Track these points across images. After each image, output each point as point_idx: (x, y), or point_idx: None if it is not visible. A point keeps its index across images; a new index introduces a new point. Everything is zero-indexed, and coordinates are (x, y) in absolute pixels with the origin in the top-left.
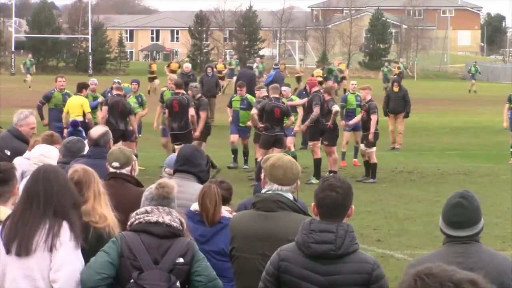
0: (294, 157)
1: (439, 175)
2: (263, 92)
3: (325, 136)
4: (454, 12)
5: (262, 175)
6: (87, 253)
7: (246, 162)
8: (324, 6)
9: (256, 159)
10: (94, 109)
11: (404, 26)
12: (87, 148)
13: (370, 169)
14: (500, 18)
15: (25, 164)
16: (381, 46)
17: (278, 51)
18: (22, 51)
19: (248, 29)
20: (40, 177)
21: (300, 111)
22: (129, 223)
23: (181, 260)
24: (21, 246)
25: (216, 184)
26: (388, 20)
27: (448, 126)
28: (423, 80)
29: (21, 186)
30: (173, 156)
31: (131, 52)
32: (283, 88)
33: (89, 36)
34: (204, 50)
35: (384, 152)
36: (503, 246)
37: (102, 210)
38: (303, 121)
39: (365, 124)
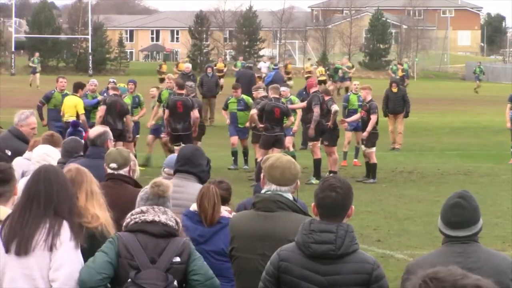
0: (293, 157)
1: (439, 175)
2: (261, 93)
3: (325, 136)
4: (454, 12)
5: (262, 175)
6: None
7: (246, 162)
8: (324, 6)
9: (256, 159)
10: (94, 108)
11: (404, 26)
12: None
13: (370, 169)
14: (500, 18)
15: (25, 164)
16: (381, 46)
17: (278, 51)
18: (22, 51)
19: (248, 29)
20: (41, 177)
21: (299, 111)
22: (124, 223)
23: (177, 259)
24: (20, 245)
25: (215, 184)
26: (388, 20)
27: (448, 126)
28: (423, 80)
29: (21, 185)
30: (173, 156)
31: (131, 53)
32: (282, 88)
33: (89, 36)
34: (204, 50)
35: (384, 152)
36: (503, 246)
37: (95, 210)
38: (302, 121)
39: (365, 125)
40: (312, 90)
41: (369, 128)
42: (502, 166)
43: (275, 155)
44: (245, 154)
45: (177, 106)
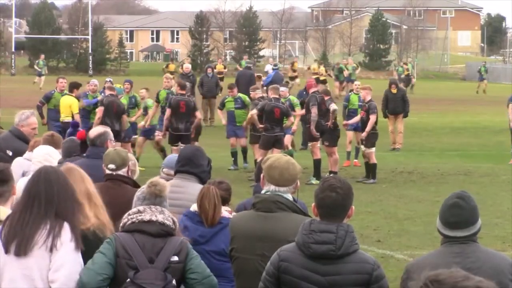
0: (291, 155)
1: (439, 176)
2: (258, 93)
3: (325, 136)
4: (454, 12)
5: (262, 176)
6: None
7: (245, 159)
8: (324, 7)
9: (255, 160)
10: (94, 108)
11: (404, 27)
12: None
13: (370, 170)
14: (500, 19)
15: (25, 165)
16: (381, 46)
17: (278, 52)
18: (22, 51)
19: (248, 29)
20: (41, 178)
21: (299, 111)
22: (121, 224)
23: (175, 258)
24: (20, 246)
25: (215, 185)
26: (388, 20)
27: (448, 126)
28: (423, 80)
29: (21, 185)
30: (171, 156)
31: (131, 53)
32: (281, 89)
33: (89, 37)
34: (204, 51)
35: (384, 153)
36: (503, 247)
37: (86, 211)
38: (302, 121)
39: (364, 125)
40: (311, 90)
41: (368, 128)
42: (502, 166)
43: (275, 156)
44: (244, 152)
45: (180, 106)
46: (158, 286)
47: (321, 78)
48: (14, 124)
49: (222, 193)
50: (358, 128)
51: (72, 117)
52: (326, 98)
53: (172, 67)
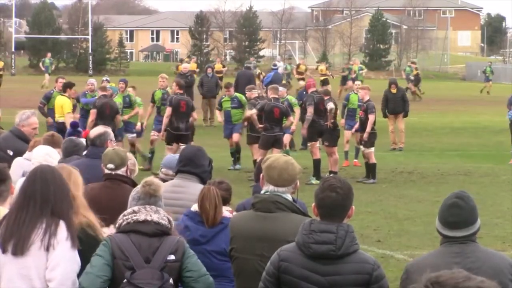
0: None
1: (439, 176)
2: (254, 93)
3: (325, 136)
4: (454, 12)
5: (261, 176)
6: None
7: (235, 161)
8: (324, 7)
9: (255, 160)
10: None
11: (404, 27)
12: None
13: (370, 170)
14: (500, 19)
15: (25, 164)
16: (381, 46)
17: (278, 52)
18: (22, 51)
19: (248, 29)
20: (37, 177)
21: (297, 110)
22: (117, 225)
23: (172, 257)
24: (17, 245)
25: (215, 185)
26: (388, 20)
27: (448, 126)
28: (423, 80)
29: (19, 185)
30: (170, 157)
31: (131, 53)
32: (279, 88)
33: (89, 37)
34: (204, 51)
35: (384, 153)
36: (503, 247)
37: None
38: (301, 121)
39: (363, 125)
40: (310, 90)
41: (368, 128)
42: (502, 166)
43: (274, 156)
44: (237, 151)
45: (181, 105)
46: (155, 286)
47: (322, 78)
48: (15, 124)
49: (223, 193)
50: (357, 127)
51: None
52: (326, 98)
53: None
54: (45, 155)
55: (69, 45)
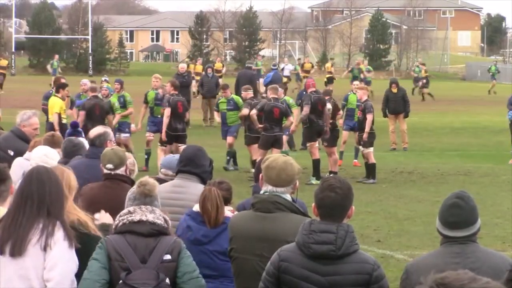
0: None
1: (439, 176)
2: (250, 93)
3: (324, 137)
4: (454, 12)
5: (260, 176)
6: None
7: (228, 162)
8: (324, 7)
9: (254, 160)
10: None
11: (404, 27)
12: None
13: (370, 170)
14: (500, 19)
15: (25, 165)
16: (381, 46)
17: (278, 52)
18: (22, 51)
19: (248, 29)
20: (33, 178)
21: (296, 111)
22: (113, 226)
23: (168, 257)
24: (15, 246)
25: (215, 185)
26: (388, 20)
27: (448, 126)
28: None
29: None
30: (169, 157)
31: (131, 53)
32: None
33: (89, 37)
34: (204, 51)
35: (384, 153)
36: (503, 247)
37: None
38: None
39: (361, 124)
40: (310, 90)
41: (367, 128)
42: (502, 166)
43: (273, 156)
44: (231, 154)
45: (178, 106)
46: (151, 286)
47: (327, 76)
48: (16, 124)
49: (223, 193)
50: (355, 128)
51: (60, 117)
52: (326, 98)
53: (192, 67)
54: (43, 155)
55: (69, 45)
